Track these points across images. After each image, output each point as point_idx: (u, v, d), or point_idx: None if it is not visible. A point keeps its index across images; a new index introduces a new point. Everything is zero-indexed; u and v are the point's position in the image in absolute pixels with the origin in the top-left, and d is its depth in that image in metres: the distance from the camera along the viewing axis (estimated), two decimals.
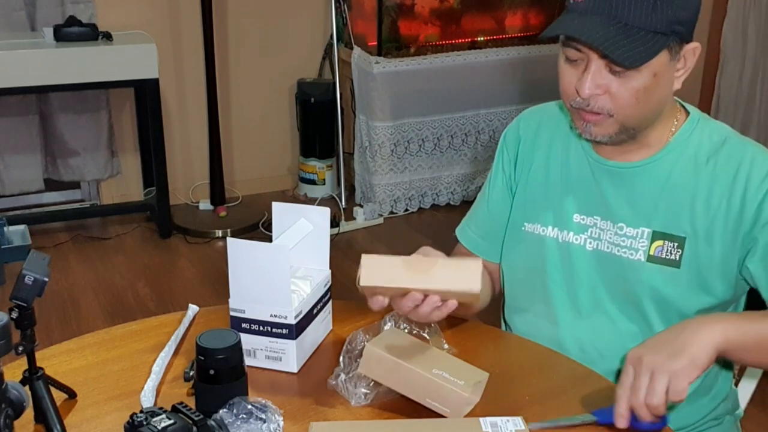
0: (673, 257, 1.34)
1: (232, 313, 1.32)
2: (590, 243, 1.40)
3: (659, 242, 1.35)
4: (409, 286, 1.18)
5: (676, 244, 1.34)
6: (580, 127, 1.32)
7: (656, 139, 1.36)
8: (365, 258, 1.18)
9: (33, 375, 1.13)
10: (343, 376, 1.24)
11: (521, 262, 1.49)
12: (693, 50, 1.28)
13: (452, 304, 1.21)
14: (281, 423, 1.12)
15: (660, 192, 1.35)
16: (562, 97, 1.34)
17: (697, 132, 1.37)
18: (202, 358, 1.15)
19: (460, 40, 4.26)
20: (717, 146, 1.35)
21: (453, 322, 1.46)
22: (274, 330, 1.29)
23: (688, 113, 1.39)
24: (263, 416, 1.10)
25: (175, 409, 1.06)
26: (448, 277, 1.18)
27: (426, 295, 1.19)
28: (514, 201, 1.51)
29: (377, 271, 1.18)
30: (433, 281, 1.18)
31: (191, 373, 1.26)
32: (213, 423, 1.06)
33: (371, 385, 1.22)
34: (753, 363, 1.34)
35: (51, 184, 4.13)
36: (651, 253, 1.35)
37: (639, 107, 1.27)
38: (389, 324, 1.31)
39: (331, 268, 1.41)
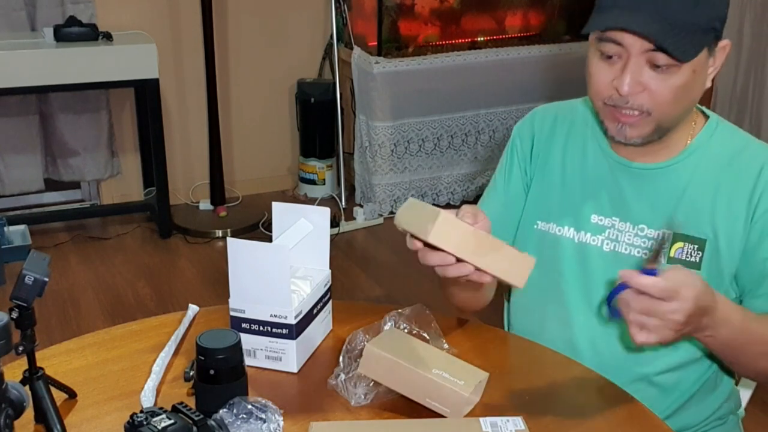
0: (693, 259, 1.34)
1: (232, 313, 1.32)
2: (608, 244, 1.40)
3: (680, 244, 1.34)
4: (471, 260, 1.15)
5: (696, 246, 1.33)
6: (612, 129, 1.30)
7: (677, 141, 1.35)
8: (444, 215, 1.13)
9: (33, 375, 1.13)
10: (343, 376, 1.24)
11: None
12: (724, 48, 1.28)
13: (486, 278, 1.17)
14: (281, 423, 1.12)
15: (681, 194, 1.35)
16: (591, 96, 1.31)
17: (717, 135, 1.37)
18: (202, 358, 1.15)
19: (460, 40, 4.26)
20: (739, 150, 1.35)
21: (453, 321, 1.46)
22: (274, 330, 1.29)
23: (706, 117, 1.39)
24: (263, 416, 1.10)
25: (175, 409, 1.06)
26: (504, 265, 1.17)
27: (459, 260, 1.16)
28: (528, 197, 1.50)
29: (450, 234, 1.14)
30: (491, 264, 1.16)
31: (191, 373, 1.26)
32: (213, 423, 1.06)
33: (371, 385, 1.22)
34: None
35: (51, 184, 4.13)
36: (671, 254, 1.35)
37: (677, 105, 1.26)
38: (389, 324, 1.31)
39: (331, 268, 1.41)
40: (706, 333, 1.17)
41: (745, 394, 1.56)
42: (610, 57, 1.26)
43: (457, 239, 1.15)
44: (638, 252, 1.37)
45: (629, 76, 1.23)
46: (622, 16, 1.21)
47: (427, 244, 1.17)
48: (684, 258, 1.34)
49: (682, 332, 1.12)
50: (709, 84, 1.30)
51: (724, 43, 1.27)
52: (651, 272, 1.08)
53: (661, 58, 1.21)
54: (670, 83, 1.23)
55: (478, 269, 1.17)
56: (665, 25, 1.19)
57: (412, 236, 1.19)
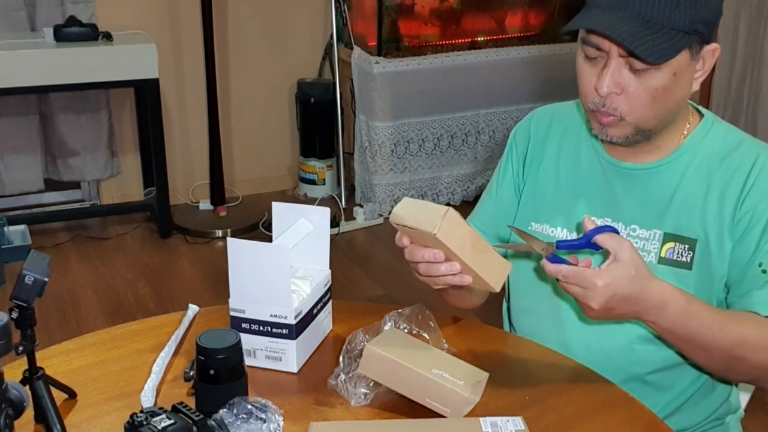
0: (684, 259, 1.33)
1: (232, 313, 1.32)
2: None
3: (670, 244, 1.34)
4: (463, 258, 1.19)
5: (687, 246, 1.33)
6: (596, 129, 1.31)
7: (669, 141, 1.35)
8: (452, 212, 1.17)
9: (33, 375, 1.14)
10: (343, 376, 1.24)
11: (528, 263, 1.48)
12: (712, 51, 1.27)
13: (467, 279, 1.22)
14: (281, 423, 1.12)
15: (672, 194, 1.35)
16: (581, 99, 1.32)
17: (711, 134, 1.36)
18: (202, 358, 1.15)
19: (460, 40, 4.27)
20: (731, 149, 1.34)
21: (453, 322, 1.46)
22: (274, 330, 1.29)
23: (701, 116, 1.39)
24: (263, 416, 1.10)
25: (175, 409, 1.06)
26: (488, 268, 1.21)
27: (448, 259, 1.20)
28: (521, 199, 1.50)
29: (454, 232, 1.18)
30: (478, 265, 1.20)
31: (191, 373, 1.26)
32: (213, 423, 1.06)
33: (371, 385, 1.22)
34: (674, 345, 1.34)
35: (51, 184, 4.13)
36: (662, 255, 1.35)
37: (656, 107, 1.26)
38: (389, 324, 1.31)
39: (331, 268, 1.41)
40: (645, 319, 1.21)
41: (744, 396, 1.55)
42: (593, 58, 1.26)
43: (457, 237, 1.18)
44: None
45: (608, 78, 1.24)
46: (598, 17, 1.21)
47: (416, 241, 1.21)
48: (675, 258, 1.34)
49: (613, 314, 1.19)
50: (696, 87, 1.29)
51: (713, 46, 1.26)
52: (557, 259, 1.20)
53: (638, 62, 1.21)
54: (649, 85, 1.23)
55: (462, 270, 1.21)
56: (642, 25, 1.19)
57: (403, 232, 1.22)
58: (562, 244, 1.22)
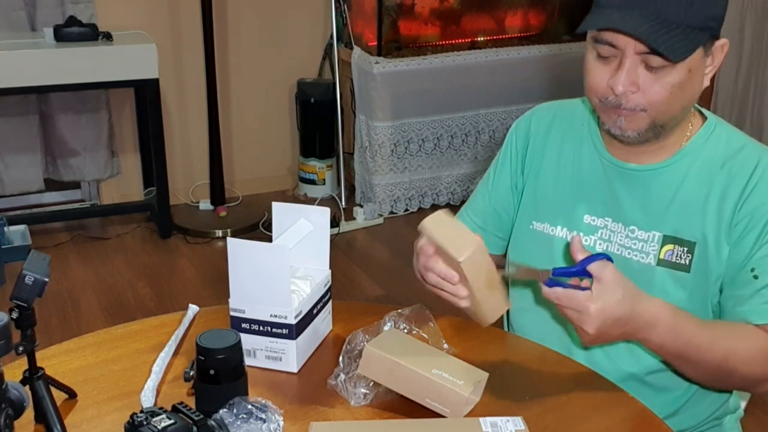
0: (683, 262, 1.34)
1: (232, 313, 1.32)
2: (600, 244, 1.40)
3: (669, 246, 1.34)
4: (474, 288, 1.21)
5: (686, 249, 1.33)
6: (608, 122, 1.30)
7: (673, 142, 1.35)
8: (481, 244, 1.20)
9: (33, 375, 1.14)
10: (343, 376, 1.24)
11: (528, 261, 1.48)
12: (722, 47, 1.28)
13: (464, 303, 1.24)
14: (281, 423, 1.12)
15: (673, 196, 1.35)
16: (587, 94, 1.32)
17: (713, 137, 1.36)
18: (202, 358, 1.15)
19: (460, 40, 4.27)
20: (734, 152, 1.34)
21: (453, 322, 1.46)
22: (274, 330, 1.29)
23: (704, 118, 1.39)
24: (263, 416, 1.10)
25: (175, 409, 1.06)
26: (491, 302, 1.24)
27: (460, 281, 1.22)
28: (522, 198, 1.50)
29: (477, 263, 1.20)
30: (483, 296, 1.22)
31: (191, 373, 1.26)
32: (213, 423, 1.06)
33: (371, 385, 1.22)
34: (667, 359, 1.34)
35: (51, 184, 4.13)
36: (661, 257, 1.35)
37: (672, 103, 1.26)
38: (389, 324, 1.31)
39: (331, 268, 1.41)
40: (638, 336, 1.21)
41: (744, 396, 1.55)
42: (606, 57, 1.26)
43: (478, 270, 1.20)
44: (629, 253, 1.37)
45: (624, 76, 1.23)
46: (614, 16, 1.21)
47: (438, 254, 1.23)
48: (674, 260, 1.34)
49: (606, 338, 1.19)
50: (707, 83, 1.30)
51: (722, 42, 1.27)
52: (553, 283, 1.19)
53: (655, 60, 1.21)
54: (665, 82, 1.23)
55: (466, 296, 1.23)
56: (658, 24, 1.19)
57: (431, 242, 1.23)
58: (558, 271, 1.21)
